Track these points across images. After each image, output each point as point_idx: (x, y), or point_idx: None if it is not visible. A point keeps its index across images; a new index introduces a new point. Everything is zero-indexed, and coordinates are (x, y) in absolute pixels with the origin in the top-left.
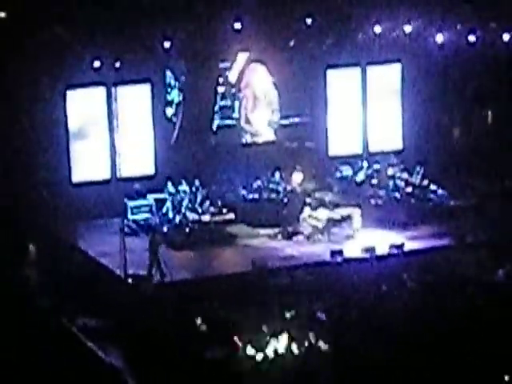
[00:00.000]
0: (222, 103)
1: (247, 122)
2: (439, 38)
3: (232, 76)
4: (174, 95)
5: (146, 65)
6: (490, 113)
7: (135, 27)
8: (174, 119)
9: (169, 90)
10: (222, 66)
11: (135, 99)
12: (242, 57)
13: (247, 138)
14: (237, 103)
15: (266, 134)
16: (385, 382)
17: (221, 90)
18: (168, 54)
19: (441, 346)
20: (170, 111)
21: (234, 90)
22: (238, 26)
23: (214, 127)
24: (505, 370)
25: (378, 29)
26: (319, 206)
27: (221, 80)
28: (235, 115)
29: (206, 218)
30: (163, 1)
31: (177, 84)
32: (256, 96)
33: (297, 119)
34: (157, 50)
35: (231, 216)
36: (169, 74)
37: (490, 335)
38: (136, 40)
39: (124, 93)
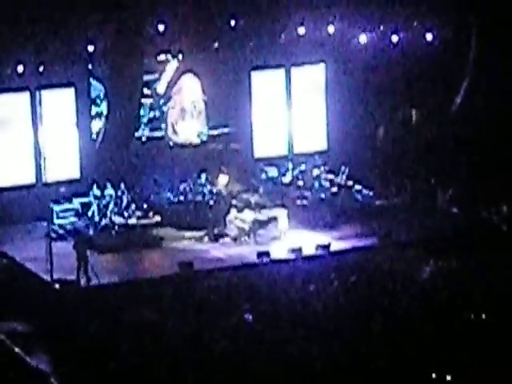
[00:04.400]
0: (151, 115)
1: (174, 132)
2: (362, 38)
3: (160, 87)
4: (102, 107)
5: (69, 69)
6: (414, 112)
7: (58, 30)
8: (100, 129)
9: (97, 100)
10: (149, 77)
11: (59, 103)
12: (171, 67)
13: (173, 140)
14: (165, 114)
15: (193, 140)
16: (313, 380)
17: (149, 101)
18: (92, 58)
19: (367, 344)
20: (96, 123)
21: (162, 101)
22: (161, 28)
23: (144, 139)
24: (431, 367)
25: (301, 30)
26: (245, 208)
27: (149, 92)
28: (164, 126)
29: (132, 221)
30: (85, 3)
31: (102, 93)
32: (184, 107)
33: (226, 130)
34: (80, 54)
35: (157, 219)
36: (94, 83)
37: (416, 332)
38: (59, 44)
39: (48, 97)
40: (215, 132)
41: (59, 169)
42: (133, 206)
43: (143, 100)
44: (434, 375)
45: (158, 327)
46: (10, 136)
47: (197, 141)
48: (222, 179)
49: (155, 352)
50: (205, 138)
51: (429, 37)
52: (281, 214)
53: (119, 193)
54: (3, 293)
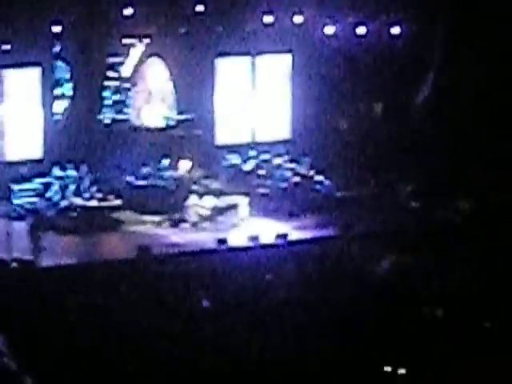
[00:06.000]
0: (115, 98)
1: (138, 116)
2: (329, 29)
3: (126, 71)
4: (66, 88)
5: (35, 48)
6: (378, 105)
7: (25, 10)
8: (64, 110)
9: (61, 81)
10: (114, 60)
11: (24, 83)
12: (136, 51)
13: (137, 124)
14: (129, 98)
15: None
16: (267, 369)
17: (114, 84)
18: (58, 38)
19: (323, 337)
20: (60, 104)
21: (127, 85)
22: (128, 11)
23: (107, 121)
24: (385, 361)
25: (269, 18)
26: (205, 194)
27: (114, 75)
28: (128, 110)
29: (93, 203)
30: None
31: (67, 74)
32: (150, 91)
33: (189, 115)
34: (46, 35)
35: (118, 202)
36: (59, 63)
37: (372, 326)
38: (25, 23)
39: (12, 76)
40: (180, 117)
41: (21, 148)
42: (94, 189)
43: (108, 83)
44: (386, 369)
45: (113, 311)
46: None
47: (162, 125)
48: (184, 164)
49: (109, 336)
50: (172, 123)
51: (396, 30)
52: (241, 201)
53: (80, 174)
54: None
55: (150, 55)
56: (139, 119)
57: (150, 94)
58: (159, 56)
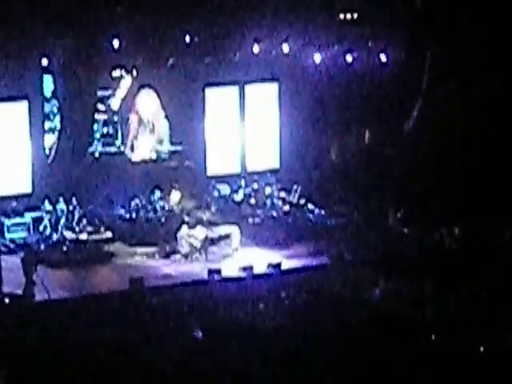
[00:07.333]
0: (104, 130)
1: (132, 149)
2: (317, 57)
3: (115, 103)
4: (55, 122)
5: (23, 81)
6: (366, 132)
7: (12, 43)
8: (53, 143)
9: (50, 115)
10: (104, 93)
11: (12, 117)
12: (125, 83)
13: (130, 156)
14: (119, 131)
15: (149, 156)
16: None
17: (103, 116)
18: (46, 72)
19: (315, 365)
20: (49, 138)
21: (116, 118)
22: (116, 43)
23: (97, 154)
24: None
25: (256, 48)
26: (197, 225)
27: (103, 107)
28: (118, 142)
29: (84, 236)
30: (39, 17)
31: (55, 107)
32: (141, 123)
33: (182, 147)
34: (35, 67)
35: (108, 235)
36: (48, 97)
37: (364, 354)
38: (13, 56)
39: (0, 110)
40: (173, 148)
41: (11, 183)
42: (84, 222)
43: (97, 116)
44: None
45: (106, 344)
46: None
47: (153, 157)
48: (175, 196)
49: (103, 369)
50: (165, 155)
51: (383, 57)
52: (233, 231)
53: (71, 208)
54: None
55: (140, 87)
56: (131, 151)
57: (141, 126)
58: (150, 87)
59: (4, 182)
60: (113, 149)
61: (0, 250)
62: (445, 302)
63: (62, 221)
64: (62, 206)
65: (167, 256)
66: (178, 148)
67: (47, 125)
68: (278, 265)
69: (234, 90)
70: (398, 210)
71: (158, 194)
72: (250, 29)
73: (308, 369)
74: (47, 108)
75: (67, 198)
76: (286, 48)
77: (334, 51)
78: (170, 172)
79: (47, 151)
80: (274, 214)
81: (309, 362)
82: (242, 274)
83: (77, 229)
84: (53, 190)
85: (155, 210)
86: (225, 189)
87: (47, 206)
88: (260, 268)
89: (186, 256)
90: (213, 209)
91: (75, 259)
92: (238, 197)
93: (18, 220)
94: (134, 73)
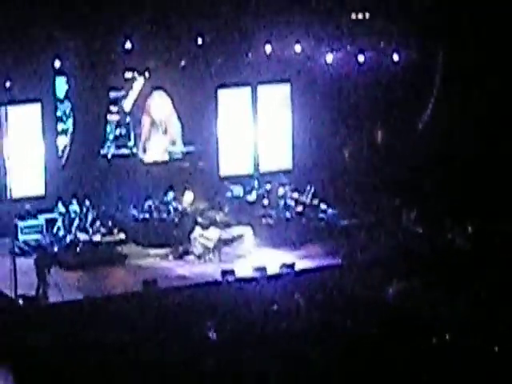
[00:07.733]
0: (117, 132)
1: (144, 150)
2: (329, 57)
3: (127, 105)
4: (68, 124)
5: (36, 84)
6: (379, 132)
7: (25, 46)
8: (66, 145)
9: (63, 117)
10: (116, 94)
11: (25, 119)
12: (137, 85)
13: (143, 158)
14: (132, 132)
15: (162, 157)
16: None
17: (115, 118)
18: (58, 75)
19: (330, 365)
20: (62, 140)
21: (128, 119)
22: (128, 45)
23: (110, 156)
24: None
25: (268, 48)
26: (210, 226)
27: (116, 109)
28: (130, 144)
29: (97, 238)
30: (51, 19)
31: (68, 109)
32: (153, 124)
33: (194, 148)
34: (47, 69)
35: (122, 236)
36: (61, 99)
37: (380, 352)
38: (26, 59)
39: (14, 113)
40: (184, 149)
41: (24, 185)
42: (98, 223)
43: (109, 117)
44: None
45: (119, 345)
46: None
47: (165, 158)
48: (188, 197)
49: (118, 370)
50: (178, 156)
51: (395, 57)
52: (246, 232)
53: (84, 209)
54: None
55: (153, 88)
56: (144, 152)
57: (154, 127)
58: (163, 89)
59: (17, 184)
60: (125, 150)
61: (14, 252)
62: (458, 302)
63: (76, 222)
64: (75, 207)
65: (180, 257)
66: (191, 149)
67: (60, 127)
68: (292, 265)
69: (246, 91)
70: (412, 209)
71: (171, 195)
72: (262, 30)
73: (321, 368)
74: (60, 110)
75: (80, 199)
76: (298, 49)
77: (346, 51)
78: (182, 173)
79: (60, 153)
80: (287, 214)
81: (322, 362)
82: (256, 275)
83: (90, 230)
84: (66, 191)
85: (168, 212)
86: (238, 189)
87: (60, 207)
88: (273, 268)
89: (199, 257)
90: (226, 210)
91: (89, 261)
92: (251, 197)
93: (31, 222)
94: (147, 74)
